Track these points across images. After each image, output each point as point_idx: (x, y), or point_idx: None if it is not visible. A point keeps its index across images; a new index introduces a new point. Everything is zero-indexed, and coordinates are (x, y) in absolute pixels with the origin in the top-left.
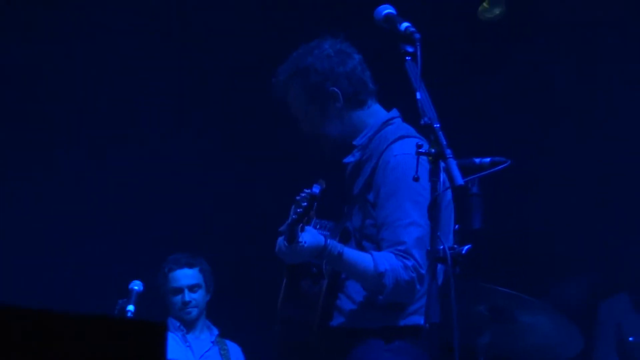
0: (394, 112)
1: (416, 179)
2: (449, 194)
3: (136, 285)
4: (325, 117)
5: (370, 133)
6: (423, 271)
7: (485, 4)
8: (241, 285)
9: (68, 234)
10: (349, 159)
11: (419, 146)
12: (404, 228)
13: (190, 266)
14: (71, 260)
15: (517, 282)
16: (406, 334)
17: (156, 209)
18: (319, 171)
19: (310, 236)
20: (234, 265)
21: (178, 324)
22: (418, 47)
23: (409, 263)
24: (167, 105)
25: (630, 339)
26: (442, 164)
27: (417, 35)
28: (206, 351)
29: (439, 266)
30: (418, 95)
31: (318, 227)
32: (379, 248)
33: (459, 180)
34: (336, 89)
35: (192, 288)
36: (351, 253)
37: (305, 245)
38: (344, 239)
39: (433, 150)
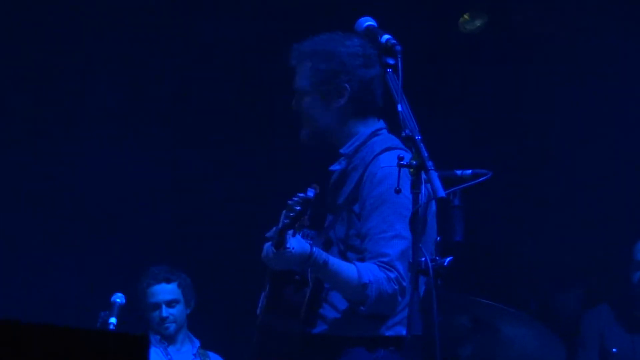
0: (381, 124)
1: (398, 191)
2: (434, 205)
3: (118, 298)
4: (323, 105)
5: (358, 143)
6: (405, 284)
7: (466, 16)
8: (222, 296)
9: (49, 246)
10: (335, 166)
11: (400, 158)
12: (388, 240)
13: (168, 281)
14: (52, 272)
15: (499, 294)
16: (390, 344)
17: (138, 220)
18: (303, 181)
19: (297, 243)
20: (215, 275)
21: (159, 337)
22: (399, 59)
23: (392, 275)
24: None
25: (614, 350)
26: (424, 176)
27: (399, 48)
28: None
29: (421, 277)
30: (399, 108)
31: (301, 235)
32: (363, 259)
33: (441, 192)
34: (348, 87)
35: (170, 303)
36: (336, 262)
37: (293, 251)
38: (326, 249)
39: (415, 162)
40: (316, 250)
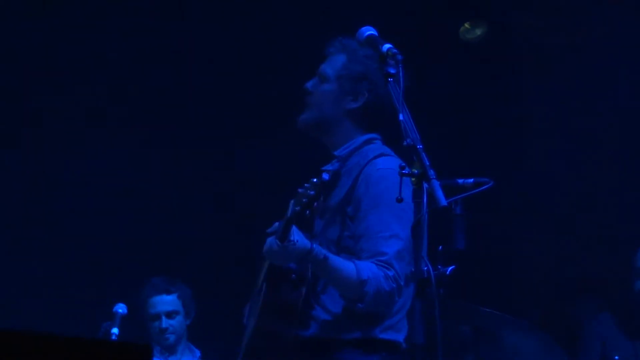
0: (376, 135)
1: (399, 201)
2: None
3: (120, 308)
4: (337, 99)
5: (352, 147)
6: (402, 283)
7: (466, 25)
8: (223, 306)
9: (51, 256)
10: (328, 167)
11: (402, 167)
12: (386, 240)
13: (168, 292)
14: (55, 282)
15: (501, 302)
16: (383, 348)
17: (140, 230)
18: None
19: (300, 236)
20: (216, 286)
21: (159, 348)
22: (400, 69)
23: (390, 273)
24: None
25: (616, 357)
26: (425, 185)
27: (400, 57)
28: None
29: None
30: (401, 117)
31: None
32: (358, 259)
33: (443, 201)
34: (367, 94)
35: (170, 314)
36: (335, 259)
37: (296, 245)
38: None
39: (416, 172)
40: (316, 246)
